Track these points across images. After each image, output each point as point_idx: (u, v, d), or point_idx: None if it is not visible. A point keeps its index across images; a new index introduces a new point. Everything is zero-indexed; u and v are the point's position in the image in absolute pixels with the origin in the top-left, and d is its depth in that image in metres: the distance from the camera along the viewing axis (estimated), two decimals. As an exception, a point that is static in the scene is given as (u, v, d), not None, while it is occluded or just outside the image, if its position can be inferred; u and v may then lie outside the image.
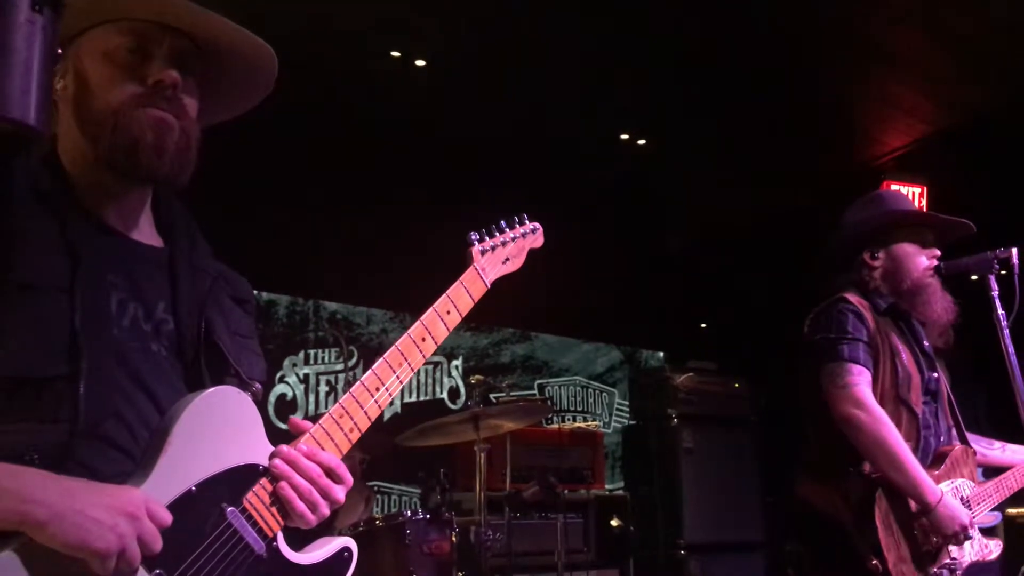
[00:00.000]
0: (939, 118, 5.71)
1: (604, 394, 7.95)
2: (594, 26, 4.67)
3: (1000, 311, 2.60)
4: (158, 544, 1.18)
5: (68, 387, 1.21)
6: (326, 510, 1.38)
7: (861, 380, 2.58)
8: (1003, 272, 2.66)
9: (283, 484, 1.34)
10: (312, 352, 6.29)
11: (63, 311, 1.23)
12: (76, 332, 1.23)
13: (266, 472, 1.35)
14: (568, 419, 7.52)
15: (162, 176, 1.39)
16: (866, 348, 2.65)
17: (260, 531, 1.32)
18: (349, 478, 1.42)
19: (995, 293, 2.63)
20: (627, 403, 7.71)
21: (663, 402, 6.40)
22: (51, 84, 0.76)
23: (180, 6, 1.38)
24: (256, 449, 1.37)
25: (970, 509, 2.64)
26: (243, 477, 1.33)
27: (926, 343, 2.84)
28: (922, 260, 2.80)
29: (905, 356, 2.71)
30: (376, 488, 6.12)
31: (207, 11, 1.41)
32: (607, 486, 6.54)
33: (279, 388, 6.03)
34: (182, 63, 1.41)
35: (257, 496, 1.33)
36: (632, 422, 7.09)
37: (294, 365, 6.17)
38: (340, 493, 1.39)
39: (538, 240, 2.02)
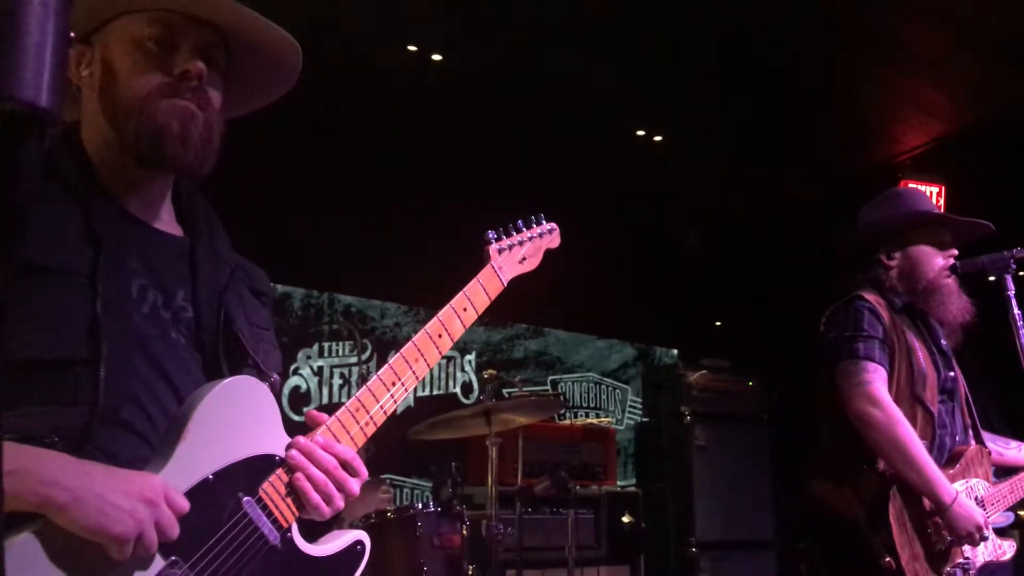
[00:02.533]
0: (958, 117, 5.67)
1: (617, 391, 7.95)
2: (611, 23, 4.66)
3: (1016, 310, 2.59)
4: (175, 531, 1.19)
5: (88, 371, 1.22)
6: (341, 502, 1.39)
7: (876, 378, 2.57)
8: (1020, 272, 2.65)
9: (299, 475, 1.35)
10: (326, 345, 6.31)
11: (85, 296, 1.25)
12: (97, 317, 1.24)
13: (282, 463, 1.36)
14: (581, 415, 7.52)
15: (186, 166, 1.41)
16: (881, 346, 2.64)
17: (275, 521, 1.33)
18: (364, 471, 1.42)
19: (1011, 293, 2.62)
20: (640, 400, 7.70)
21: (676, 399, 6.39)
22: (65, 67, 0.77)
23: None
24: (273, 440, 1.37)
25: (984, 509, 2.63)
26: (260, 467, 1.34)
27: (943, 342, 2.83)
28: (938, 261, 2.79)
29: (921, 354, 2.70)
30: (388, 480, 6.15)
31: (236, 4, 1.42)
32: (619, 483, 6.54)
33: (293, 380, 6.05)
34: (208, 55, 1.43)
35: (273, 487, 1.34)
36: (645, 419, 7.08)
37: (308, 357, 6.19)
38: (355, 486, 1.40)
39: (555, 240, 2.03)
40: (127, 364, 1.27)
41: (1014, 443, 3.01)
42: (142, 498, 1.15)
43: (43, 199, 1.28)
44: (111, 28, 1.40)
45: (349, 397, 1.48)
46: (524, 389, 6.58)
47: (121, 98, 1.38)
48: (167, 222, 1.49)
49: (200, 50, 1.42)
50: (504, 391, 6.34)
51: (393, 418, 1.55)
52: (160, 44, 1.39)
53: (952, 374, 2.79)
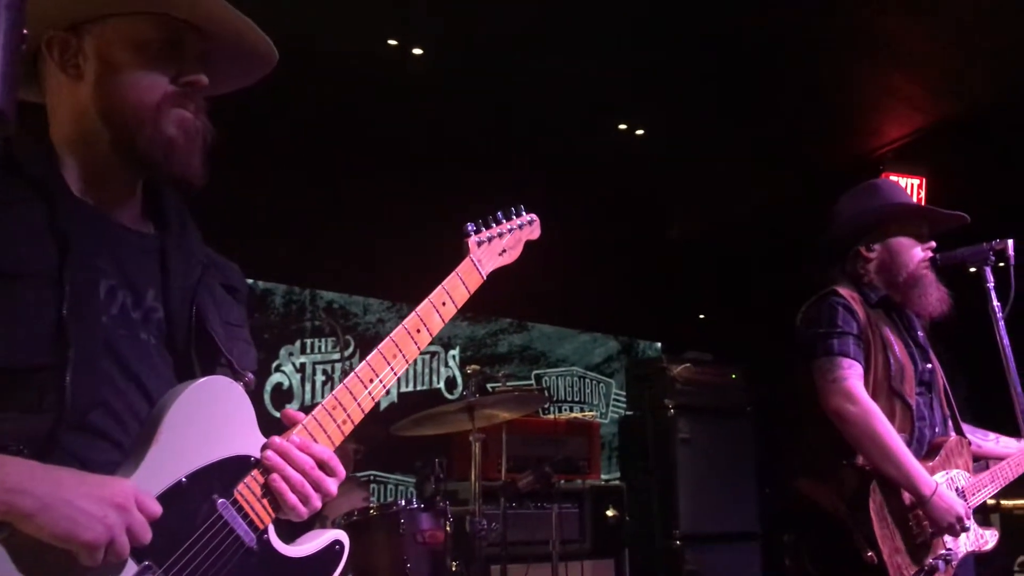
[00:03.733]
0: (938, 109, 5.69)
1: (601, 384, 7.96)
2: (591, 15, 4.65)
3: (995, 302, 2.59)
4: (147, 536, 1.17)
5: (54, 376, 1.19)
6: (318, 503, 1.37)
7: (852, 374, 2.58)
8: (1000, 264, 2.65)
9: (275, 476, 1.33)
10: (309, 341, 6.28)
11: (50, 299, 1.22)
12: (63, 321, 1.21)
13: (258, 464, 1.34)
14: (565, 409, 7.53)
15: (189, 179, 1.42)
16: (856, 341, 2.64)
17: (251, 523, 1.31)
18: (342, 470, 1.41)
19: (991, 285, 2.62)
20: (624, 393, 7.71)
21: (660, 393, 6.39)
22: (18, 66, 0.74)
23: (215, 6, 1.40)
24: (248, 440, 1.36)
25: (966, 499, 2.64)
26: (234, 468, 1.32)
27: (920, 334, 2.84)
28: (917, 252, 2.80)
29: (897, 348, 2.71)
30: (372, 477, 6.13)
31: (236, 12, 1.43)
32: (603, 476, 6.55)
33: (275, 377, 6.02)
34: (203, 61, 1.44)
35: (248, 488, 1.32)
36: (629, 412, 7.09)
37: (290, 354, 6.16)
38: (332, 486, 1.39)
39: (535, 232, 2.01)
40: (95, 368, 1.24)
41: (992, 435, 3.02)
42: (112, 503, 1.13)
43: (5, 199, 1.25)
44: (108, 24, 1.38)
45: (329, 395, 1.47)
46: (508, 384, 6.58)
47: (128, 102, 1.37)
48: (137, 219, 1.46)
49: (200, 59, 1.43)
50: (488, 386, 6.34)
51: (377, 414, 1.53)
52: (166, 50, 1.39)
53: (930, 366, 2.79)
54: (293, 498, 1.34)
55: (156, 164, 1.39)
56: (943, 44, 4.97)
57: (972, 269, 2.70)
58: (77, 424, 1.21)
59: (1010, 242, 2.62)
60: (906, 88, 5.45)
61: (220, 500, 1.28)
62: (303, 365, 6.19)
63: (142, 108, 1.37)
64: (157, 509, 1.19)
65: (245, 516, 1.30)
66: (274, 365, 6.03)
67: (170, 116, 1.38)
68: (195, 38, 1.43)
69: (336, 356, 6.25)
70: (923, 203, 5.50)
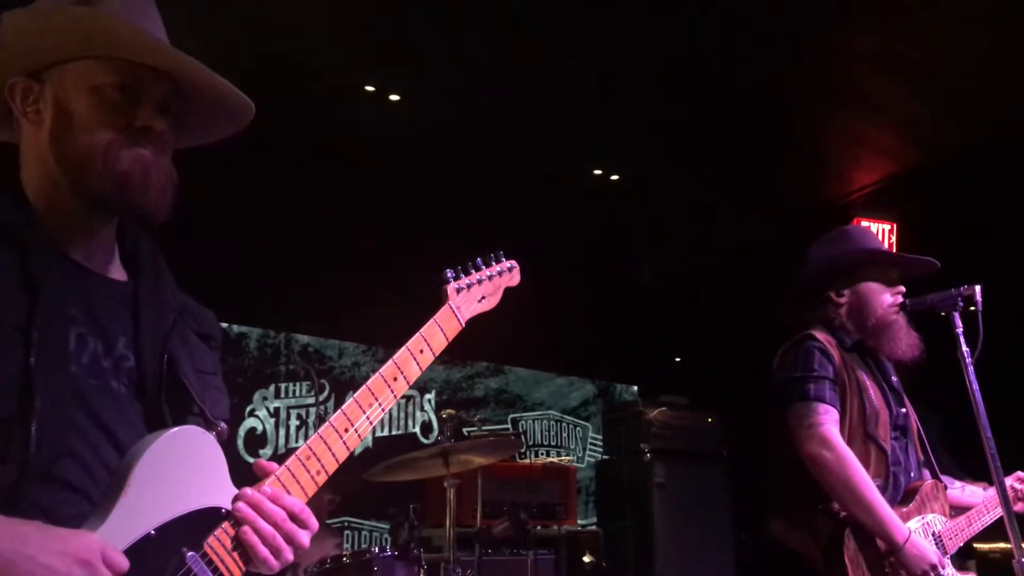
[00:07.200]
0: (908, 157, 5.81)
1: (578, 428, 7.93)
2: (567, 62, 4.71)
3: (964, 347, 2.61)
4: (113, 591, 1.14)
5: (19, 427, 1.17)
6: (290, 556, 1.35)
7: (827, 419, 2.58)
8: (969, 309, 2.68)
9: (246, 528, 1.31)
10: (283, 385, 6.22)
11: (17, 348, 1.20)
12: (30, 370, 1.20)
13: (228, 516, 1.32)
14: (542, 454, 7.48)
15: (147, 212, 1.39)
16: (832, 386, 2.65)
17: (221, 577, 1.29)
18: (315, 523, 1.38)
19: (960, 330, 2.64)
20: (600, 437, 7.68)
21: (636, 437, 6.38)
22: None
23: (168, 51, 1.39)
24: (219, 492, 1.33)
25: (943, 544, 2.64)
26: (205, 521, 1.29)
27: (894, 378, 2.86)
28: (887, 297, 2.82)
29: (873, 392, 2.72)
30: (345, 523, 6.04)
31: (192, 60, 1.41)
32: (580, 521, 6.49)
33: (249, 422, 5.94)
34: (166, 107, 1.42)
35: (219, 540, 1.29)
36: (605, 457, 7.06)
37: (264, 399, 6.09)
38: (305, 538, 1.36)
39: (514, 279, 2.00)
40: (62, 418, 1.22)
41: (957, 483, 3.02)
42: (77, 558, 1.11)
43: None
44: (66, 70, 1.37)
45: (307, 439, 1.45)
46: (484, 428, 6.53)
47: (79, 144, 1.35)
48: (110, 266, 1.45)
49: (160, 103, 1.41)
50: (464, 430, 6.29)
51: (351, 459, 1.51)
52: (122, 93, 1.37)
53: (904, 410, 2.81)
54: (264, 551, 1.31)
55: (110, 199, 1.36)
56: (912, 94, 5.08)
57: (941, 314, 2.72)
58: (43, 475, 1.19)
59: (978, 288, 2.64)
60: (877, 136, 5.56)
61: (190, 553, 1.25)
62: (277, 409, 6.12)
63: (92, 148, 1.35)
64: (124, 563, 1.16)
65: (215, 569, 1.28)
66: (248, 410, 5.96)
67: (123, 154, 1.35)
68: (158, 83, 1.40)
69: (311, 400, 6.19)
70: (894, 249, 5.58)
